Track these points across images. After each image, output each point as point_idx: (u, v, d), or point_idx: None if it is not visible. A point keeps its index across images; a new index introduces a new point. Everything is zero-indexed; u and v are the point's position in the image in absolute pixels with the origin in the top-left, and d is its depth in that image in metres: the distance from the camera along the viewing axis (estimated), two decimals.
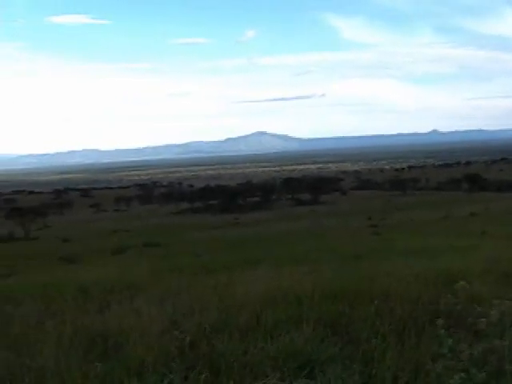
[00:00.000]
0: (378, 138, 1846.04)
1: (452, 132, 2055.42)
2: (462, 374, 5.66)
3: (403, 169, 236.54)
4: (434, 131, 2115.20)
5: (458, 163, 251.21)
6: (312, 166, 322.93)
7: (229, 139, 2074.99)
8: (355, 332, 7.79)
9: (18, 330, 9.08)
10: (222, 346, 7.18)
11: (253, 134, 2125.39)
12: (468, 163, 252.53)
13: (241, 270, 16.50)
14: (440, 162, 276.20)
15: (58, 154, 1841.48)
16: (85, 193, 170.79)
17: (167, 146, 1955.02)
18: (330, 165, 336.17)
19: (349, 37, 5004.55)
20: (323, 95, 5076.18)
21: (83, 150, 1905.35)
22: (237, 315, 8.75)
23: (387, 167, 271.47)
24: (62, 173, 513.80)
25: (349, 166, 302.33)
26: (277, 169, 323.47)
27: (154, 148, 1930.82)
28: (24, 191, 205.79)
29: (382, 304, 8.82)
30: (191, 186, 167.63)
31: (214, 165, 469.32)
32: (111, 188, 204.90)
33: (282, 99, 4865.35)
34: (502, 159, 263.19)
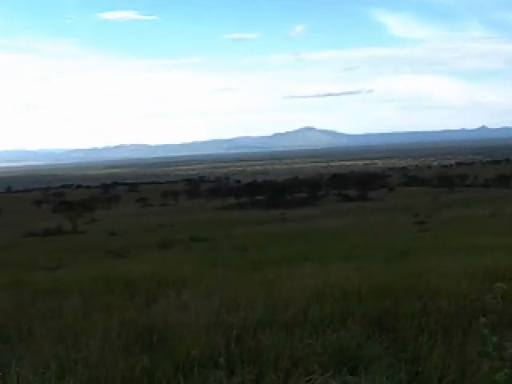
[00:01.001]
0: (425, 134, 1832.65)
1: (501, 128, 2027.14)
2: (507, 371, 5.59)
3: (451, 165, 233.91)
4: (483, 127, 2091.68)
5: (507, 160, 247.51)
6: (359, 162, 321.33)
7: (276, 134, 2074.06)
8: (401, 329, 7.74)
9: (65, 323, 9.17)
10: (269, 341, 7.18)
11: (300, 130, 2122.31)
12: None
13: (287, 266, 16.50)
14: (488, 159, 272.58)
15: (105, 148, 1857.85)
16: (132, 187, 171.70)
17: (214, 141, 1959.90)
18: (377, 161, 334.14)
19: (396, 32, 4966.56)
20: (371, 91, 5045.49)
21: (131, 145, 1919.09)
22: (283, 311, 8.74)
23: (435, 164, 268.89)
24: (109, 167, 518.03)
25: (396, 162, 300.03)
26: (324, 164, 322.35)
27: (202, 143, 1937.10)
28: (72, 185, 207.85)
29: (428, 301, 8.76)
30: (238, 181, 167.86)
31: (260, 160, 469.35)
32: (158, 183, 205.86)
33: (330, 95, 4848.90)
34: None
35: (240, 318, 8.32)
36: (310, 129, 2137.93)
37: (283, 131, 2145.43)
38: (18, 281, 16.28)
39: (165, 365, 6.62)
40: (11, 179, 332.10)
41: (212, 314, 8.78)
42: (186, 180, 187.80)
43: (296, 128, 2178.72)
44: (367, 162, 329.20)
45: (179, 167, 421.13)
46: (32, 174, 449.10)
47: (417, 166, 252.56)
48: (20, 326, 9.26)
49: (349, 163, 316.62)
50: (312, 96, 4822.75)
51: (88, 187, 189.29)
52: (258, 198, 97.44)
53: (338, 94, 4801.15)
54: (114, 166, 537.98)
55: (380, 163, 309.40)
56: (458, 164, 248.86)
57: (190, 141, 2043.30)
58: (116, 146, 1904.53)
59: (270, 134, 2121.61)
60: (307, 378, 6.07)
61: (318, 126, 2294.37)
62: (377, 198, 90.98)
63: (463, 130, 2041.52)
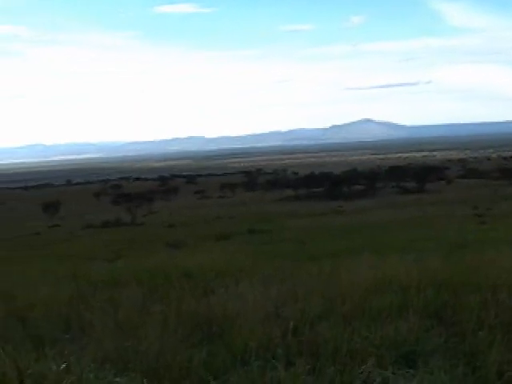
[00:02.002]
0: (485, 125, 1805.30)
1: None
2: None
3: (511, 157, 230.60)
4: None
5: None
6: (417, 154, 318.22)
7: (334, 126, 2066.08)
8: (460, 323, 7.67)
9: (124, 314, 9.27)
10: (326, 333, 7.18)
11: (358, 122, 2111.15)
12: None
13: (345, 258, 16.46)
14: None
15: (163, 141, 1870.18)
16: (190, 179, 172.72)
17: (272, 133, 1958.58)
18: (436, 153, 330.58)
19: (454, 22, 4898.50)
20: (429, 82, 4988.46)
21: (188, 137, 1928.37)
22: (341, 303, 8.73)
23: (494, 155, 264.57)
24: (167, 159, 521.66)
25: (455, 154, 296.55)
26: (381, 156, 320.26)
27: (259, 135, 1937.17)
28: (130, 178, 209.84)
29: (488, 295, 8.66)
30: (295, 173, 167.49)
31: (318, 152, 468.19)
32: (216, 175, 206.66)
33: (387, 86, 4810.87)
34: None
35: (297, 310, 8.34)
36: (368, 120, 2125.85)
37: (341, 123, 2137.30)
38: (78, 272, 16.50)
39: (223, 355, 6.67)
40: (71, 172, 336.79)
41: (269, 305, 8.80)
42: (244, 172, 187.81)
43: (354, 120, 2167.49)
44: (425, 153, 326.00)
45: (236, 159, 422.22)
46: (91, 166, 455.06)
47: (476, 157, 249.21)
48: (80, 317, 9.40)
49: (406, 155, 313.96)
50: (369, 87, 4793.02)
51: (146, 179, 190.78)
52: (316, 190, 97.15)
53: (396, 85, 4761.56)
54: (171, 159, 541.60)
55: (438, 155, 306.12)
56: None
57: (247, 133, 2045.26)
58: (173, 139, 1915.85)
59: (327, 125, 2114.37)
60: (364, 371, 6.07)
61: (376, 117, 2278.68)
62: (435, 190, 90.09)
63: None
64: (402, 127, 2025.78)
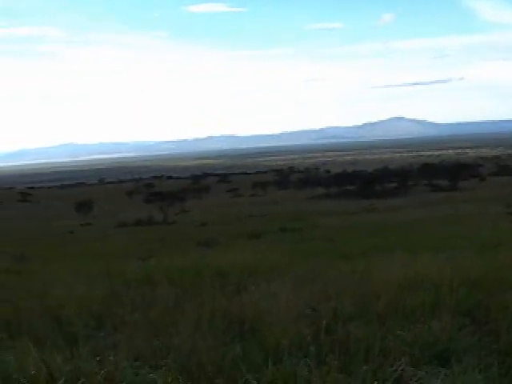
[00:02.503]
0: None
1: None
2: None
3: None
4: None
5: None
6: (450, 152, 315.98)
7: (365, 124, 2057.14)
8: (494, 321, 7.62)
9: (157, 312, 9.32)
10: (359, 331, 7.17)
11: (390, 119, 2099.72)
12: None
13: (377, 257, 16.40)
14: None
15: (195, 139, 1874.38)
16: (222, 178, 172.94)
17: (303, 132, 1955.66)
18: (468, 150, 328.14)
19: (486, 18, 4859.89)
20: (461, 79, 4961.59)
21: (221, 136, 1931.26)
22: (373, 301, 8.71)
23: None
24: (199, 158, 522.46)
25: (487, 152, 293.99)
26: (414, 154, 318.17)
27: (291, 133, 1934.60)
28: (162, 176, 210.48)
29: None
30: (328, 171, 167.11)
31: (350, 150, 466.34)
32: (248, 173, 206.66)
33: (419, 83, 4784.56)
34: None
35: (330, 309, 8.33)
36: (400, 118, 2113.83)
37: (373, 121, 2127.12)
38: (111, 270, 16.60)
39: (255, 353, 6.68)
40: (104, 171, 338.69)
41: (301, 304, 8.80)
42: (276, 170, 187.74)
43: (385, 117, 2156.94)
44: (458, 151, 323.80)
45: (269, 158, 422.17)
46: (124, 165, 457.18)
47: (509, 155, 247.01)
48: (114, 315, 9.47)
49: (439, 153, 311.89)
50: (401, 85, 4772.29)
51: (178, 178, 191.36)
52: (348, 188, 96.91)
53: (428, 83, 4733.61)
54: (203, 157, 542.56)
55: (471, 153, 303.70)
56: None
57: (279, 131, 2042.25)
58: (206, 137, 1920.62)
59: (359, 123, 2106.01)
60: (397, 370, 6.05)
61: (408, 115, 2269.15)
62: (468, 188, 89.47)
63: None
64: (435, 125, 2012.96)
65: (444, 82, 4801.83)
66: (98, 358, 5.97)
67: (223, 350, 6.69)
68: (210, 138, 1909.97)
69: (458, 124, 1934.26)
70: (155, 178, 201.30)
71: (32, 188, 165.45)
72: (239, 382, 5.92)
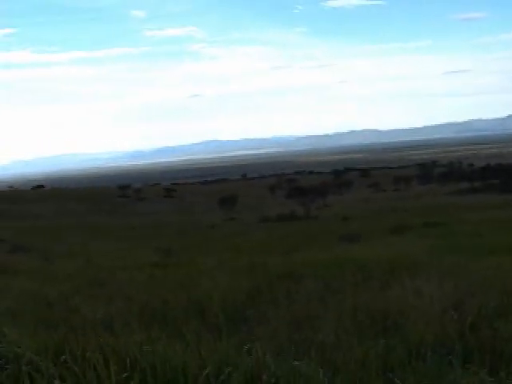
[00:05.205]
0: None
1: None
2: None
3: None
4: None
5: None
6: None
7: (510, 116, 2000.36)
8: None
9: (300, 306, 9.37)
10: (506, 330, 6.98)
11: None
12: None
13: None
14: None
15: (337, 134, 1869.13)
16: (364, 173, 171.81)
17: (446, 125, 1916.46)
18: None
19: None
20: None
21: (363, 131, 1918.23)
22: None
23: None
24: (341, 153, 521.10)
25: None
26: None
27: (433, 127, 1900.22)
28: (304, 171, 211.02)
29: None
30: (471, 165, 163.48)
31: (494, 143, 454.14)
32: (390, 168, 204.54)
33: None
34: None
35: (475, 306, 8.15)
36: None
37: None
38: (254, 264, 16.81)
39: (398, 349, 6.62)
40: (247, 166, 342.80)
41: (446, 300, 8.66)
42: (418, 165, 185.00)
43: None
44: None
45: (411, 152, 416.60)
46: (266, 161, 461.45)
47: None
48: (257, 308, 9.58)
49: None
50: None
51: (320, 173, 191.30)
52: (493, 181, 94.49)
53: None
54: (345, 152, 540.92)
55: None
56: None
57: (421, 125, 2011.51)
58: (347, 132, 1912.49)
59: (503, 115, 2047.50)
60: None
61: None
62: None
63: None
64: None
65: None
66: (245, 348, 6.03)
67: (366, 345, 6.66)
68: (352, 132, 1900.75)
69: None
70: (297, 173, 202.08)
71: (176, 184, 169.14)
72: (382, 378, 5.88)
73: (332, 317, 8.27)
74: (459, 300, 8.65)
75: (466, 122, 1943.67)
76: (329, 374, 5.80)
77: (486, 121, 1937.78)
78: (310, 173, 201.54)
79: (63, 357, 5.64)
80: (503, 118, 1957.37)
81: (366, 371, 6.06)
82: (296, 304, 9.64)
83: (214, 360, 5.63)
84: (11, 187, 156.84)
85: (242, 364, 5.58)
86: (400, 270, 12.75)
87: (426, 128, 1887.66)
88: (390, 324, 7.78)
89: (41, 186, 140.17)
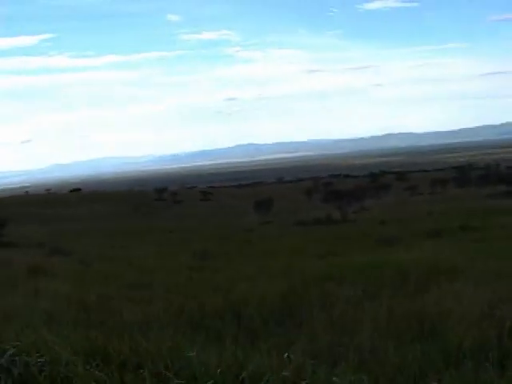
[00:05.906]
0: None
1: None
2: None
3: None
4: None
5: None
6: None
7: None
8: None
9: (337, 310, 9.37)
10: None
11: None
12: None
13: None
14: None
15: (373, 137, 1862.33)
16: (400, 176, 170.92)
17: (484, 127, 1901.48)
18: None
19: None
20: None
21: (399, 134, 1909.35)
22: None
23: None
24: (377, 156, 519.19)
25: None
26: None
27: (470, 129, 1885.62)
28: (340, 175, 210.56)
29: None
30: (509, 167, 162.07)
31: None
32: (427, 171, 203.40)
33: None
34: None
35: None
36: None
37: None
38: (290, 267, 16.82)
39: (435, 354, 6.60)
40: (282, 170, 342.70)
41: (484, 305, 8.61)
42: (455, 168, 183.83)
43: None
44: None
45: (447, 154, 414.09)
46: (302, 164, 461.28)
47: None
48: (293, 312, 9.59)
49: None
50: None
51: (356, 176, 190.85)
52: None
53: None
54: (381, 155, 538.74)
55: None
56: None
57: (458, 127, 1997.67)
58: (384, 135, 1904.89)
59: None
60: None
61: None
62: None
63: None
64: None
65: None
66: (285, 355, 6.02)
67: (403, 350, 6.64)
68: (388, 135, 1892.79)
69: None
70: (333, 176, 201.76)
71: (212, 187, 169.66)
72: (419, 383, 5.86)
73: (369, 321, 8.26)
74: (497, 304, 8.60)
75: (503, 125, 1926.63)
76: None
77: None
78: (347, 176, 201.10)
79: (99, 359, 5.69)
80: None
81: (403, 375, 6.05)
82: (333, 308, 9.64)
83: (251, 364, 5.64)
84: (49, 190, 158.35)
85: (278, 369, 5.58)
86: (437, 273, 12.70)
87: (462, 130, 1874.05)
88: (427, 328, 7.75)
89: (78, 189, 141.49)
